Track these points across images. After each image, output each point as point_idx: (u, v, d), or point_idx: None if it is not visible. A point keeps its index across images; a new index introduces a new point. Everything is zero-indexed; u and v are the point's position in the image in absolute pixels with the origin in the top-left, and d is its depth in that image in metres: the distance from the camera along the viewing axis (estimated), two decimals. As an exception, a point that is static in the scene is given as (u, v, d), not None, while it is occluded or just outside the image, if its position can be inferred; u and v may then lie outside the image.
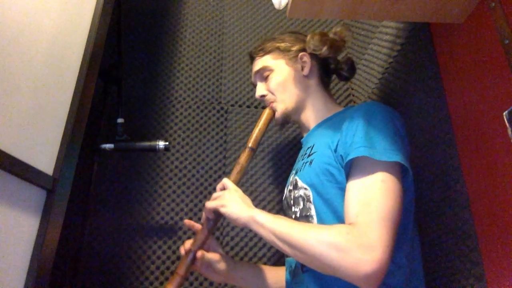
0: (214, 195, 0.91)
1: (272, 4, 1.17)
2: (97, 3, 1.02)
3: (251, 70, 1.11)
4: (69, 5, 0.91)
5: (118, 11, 1.25)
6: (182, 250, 0.94)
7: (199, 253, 0.90)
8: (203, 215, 0.93)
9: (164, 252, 1.16)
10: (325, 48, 1.00)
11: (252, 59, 1.11)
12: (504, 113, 0.68)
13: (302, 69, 1.02)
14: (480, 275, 0.73)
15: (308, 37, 1.02)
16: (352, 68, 1.11)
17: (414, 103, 0.99)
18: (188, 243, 0.94)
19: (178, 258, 1.16)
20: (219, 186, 0.93)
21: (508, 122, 0.67)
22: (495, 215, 0.71)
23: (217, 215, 0.91)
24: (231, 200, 0.85)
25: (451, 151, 0.84)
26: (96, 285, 1.10)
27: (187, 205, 1.22)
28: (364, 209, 0.72)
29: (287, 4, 0.81)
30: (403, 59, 1.06)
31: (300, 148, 1.07)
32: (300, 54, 1.03)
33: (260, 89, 1.05)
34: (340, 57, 1.11)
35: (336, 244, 0.68)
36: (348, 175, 0.79)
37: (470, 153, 0.79)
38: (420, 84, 0.97)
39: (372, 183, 0.74)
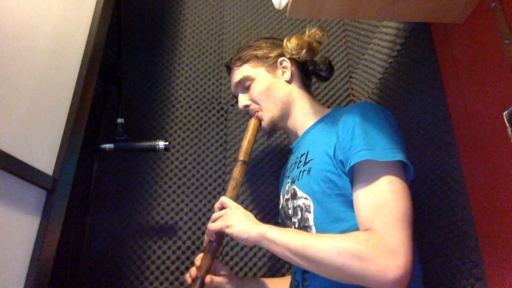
0: (215, 215, 0.87)
1: (272, 4, 1.17)
2: (97, 3, 1.02)
3: (229, 81, 1.08)
4: (69, 5, 0.91)
5: (118, 11, 1.25)
6: (188, 278, 0.89)
7: (208, 279, 0.87)
8: (205, 238, 0.90)
9: (164, 252, 1.16)
10: (303, 52, 1.00)
11: (229, 69, 1.09)
12: (504, 113, 0.68)
13: (283, 74, 1.01)
14: (480, 275, 0.73)
15: (285, 42, 1.02)
16: (330, 67, 1.09)
17: (414, 103, 0.99)
18: (193, 270, 0.90)
19: (178, 258, 1.16)
20: (217, 206, 0.90)
21: (508, 122, 0.67)
22: (495, 215, 0.71)
23: (220, 237, 0.88)
24: (235, 219, 0.82)
25: (451, 151, 0.83)
26: (96, 285, 1.10)
27: (187, 205, 1.22)
28: (378, 213, 0.71)
29: (287, 4, 0.81)
30: (403, 59, 1.06)
31: (288, 154, 1.05)
32: (280, 59, 1.02)
33: (243, 100, 1.03)
34: (316, 58, 1.09)
35: (358, 253, 0.67)
36: (352, 181, 0.77)
37: (470, 153, 0.79)
38: (420, 84, 0.97)
39: (380, 185, 0.73)
